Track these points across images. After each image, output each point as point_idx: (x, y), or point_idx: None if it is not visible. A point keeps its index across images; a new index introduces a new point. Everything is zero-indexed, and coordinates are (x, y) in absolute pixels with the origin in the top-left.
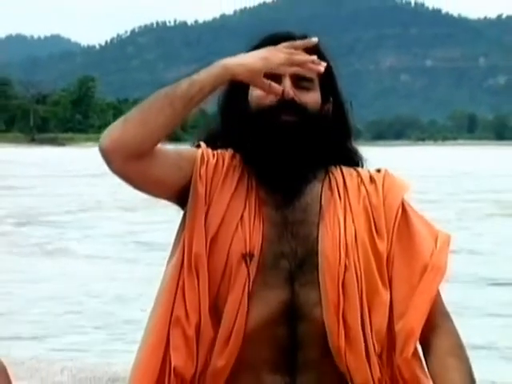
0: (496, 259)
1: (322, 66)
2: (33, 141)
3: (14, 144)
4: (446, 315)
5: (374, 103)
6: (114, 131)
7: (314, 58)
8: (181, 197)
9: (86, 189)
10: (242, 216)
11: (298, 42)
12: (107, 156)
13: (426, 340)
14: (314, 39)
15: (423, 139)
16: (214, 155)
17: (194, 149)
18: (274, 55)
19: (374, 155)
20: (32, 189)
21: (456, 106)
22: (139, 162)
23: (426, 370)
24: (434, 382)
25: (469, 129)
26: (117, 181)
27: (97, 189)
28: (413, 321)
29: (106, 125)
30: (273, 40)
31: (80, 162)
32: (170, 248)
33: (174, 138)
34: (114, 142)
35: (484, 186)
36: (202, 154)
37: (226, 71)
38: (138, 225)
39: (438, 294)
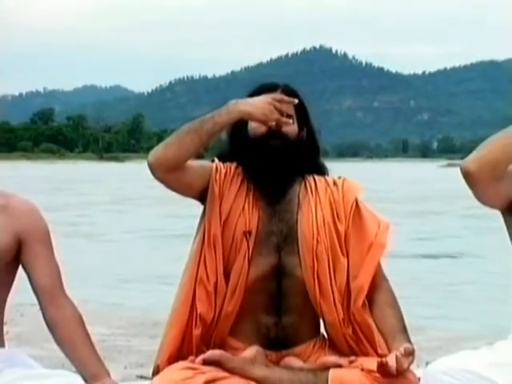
0: None
1: (295, 100)
2: (101, 159)
3: (88, 161)
4: (384, 278)
5: (338, 132)
6: (159, 152)
7: (295, 100)
8: (201, 195)
9: (135, 189)
10: (243, 207)
11: (286, 98)
12: (153, 168)
13: (370, 296)
14: (295, 100)
15: (371, 157)
16: (223, 167)
17: (211, 162)
18: (270, 112)
19: (338, 168)
20: (98, 189)
21: (394, 135)
22: (175, 173)
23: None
24: (376, 325)
25: (403, 150)
26: (156, 184)
27: (140, 189)
28: (363, 280)
29: (152, 147)
30: (264, 89)
31: (134, 173)
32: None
33: (198, 156)
34: (158, 158)
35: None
36: (216, 165)
37: (239, 115)
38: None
39: (379, 263)
